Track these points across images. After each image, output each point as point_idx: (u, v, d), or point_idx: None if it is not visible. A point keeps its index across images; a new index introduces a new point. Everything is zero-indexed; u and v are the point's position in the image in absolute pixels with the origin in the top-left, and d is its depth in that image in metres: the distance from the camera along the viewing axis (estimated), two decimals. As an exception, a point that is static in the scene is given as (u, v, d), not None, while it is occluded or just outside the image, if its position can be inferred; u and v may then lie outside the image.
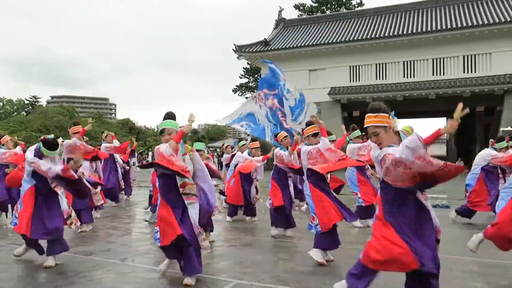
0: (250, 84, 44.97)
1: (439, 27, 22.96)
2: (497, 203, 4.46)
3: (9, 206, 7.35)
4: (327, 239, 4.54)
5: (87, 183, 6.01)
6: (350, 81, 25.22)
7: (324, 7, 41.09)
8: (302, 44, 25.84)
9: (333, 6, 40.96)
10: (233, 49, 27.17)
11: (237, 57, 28.09)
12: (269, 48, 26.49)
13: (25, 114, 57.14)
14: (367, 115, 2.93)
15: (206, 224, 4.39)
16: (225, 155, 10.29)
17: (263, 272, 4.25)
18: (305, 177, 4.91)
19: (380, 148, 2.88)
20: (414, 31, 23.49)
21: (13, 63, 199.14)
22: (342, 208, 4.64)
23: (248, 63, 37.92)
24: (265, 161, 7.49)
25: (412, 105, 24.17)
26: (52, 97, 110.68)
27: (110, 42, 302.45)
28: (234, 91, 45.92)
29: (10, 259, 4.82)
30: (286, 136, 6.13)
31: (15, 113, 58.95)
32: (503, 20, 21.70)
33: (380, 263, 2.79)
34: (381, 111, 2.87)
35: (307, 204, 5.06)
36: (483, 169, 7.02)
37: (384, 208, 2.90)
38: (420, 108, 24.91)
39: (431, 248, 2.77)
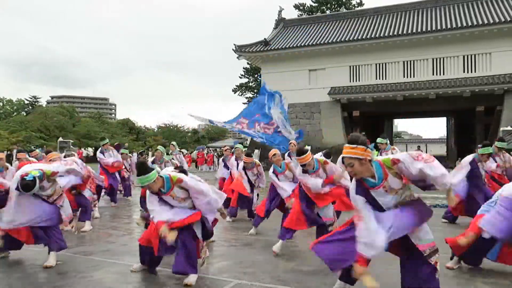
0: (250, 84, 44.99)
1: (439, 27, 22.94)
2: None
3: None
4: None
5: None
6: (350, 81, 25.19)
7: (324, 7, 41.10)
8: (302, 44, 25.82)
9: (333, 6, 40.97)
10: (233, 49, 27.15)
11: (237, 57, 28.07)
12: (269, 48, 26.47)
13: (25, 114, 57.13)
14: (345, 145, 3.01)
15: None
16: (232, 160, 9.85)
17: (263, 272, 4.25)
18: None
19: (356, 179, 3.05)
20: (414, 31, 23.47)
21: (13, 63, 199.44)
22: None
23: (248, 63, 37.92)
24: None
25: (412, 105, 24.15)
26: (52, 97, 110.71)
27: (110, 42, 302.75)
28: (234, 91, 45.94)
29: (10, 259, 4.83)
30: (274, 155, 6.29)
31: (15, 113, 58.93)
32: (503, 20, 21.67)
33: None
34: (359, 143, 2.93)
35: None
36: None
37: None
38: (420, 108, 24.89)
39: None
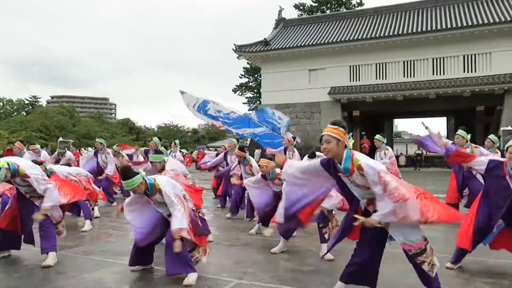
0: (250, 84, 45.02)
1: (439, 27, 22.94)
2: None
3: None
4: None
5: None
6: (350, 81, 25.20)
7: (324, 7, 41.11)
8: (302, 44, 25.82)
9: (333, 6, 40.98)
10: (233, 49, 27.15)
11: (237, 57, 28.07)
12: (269, 48, 26.47)
13: (25, 114, 57.18)
14: (328, 126, 3.16)
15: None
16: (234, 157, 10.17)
17: (263, 272, 4.25)
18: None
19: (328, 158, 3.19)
20: (414, 30, 23.47)
21: (13, 63, 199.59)
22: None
23: (248, 63, 37.93)
24: None
25: (412, 104, 24.16)
26: (52, 97, 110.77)
27: (110, 42, 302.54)
28: (234, 91, 45.98)
29: (9, 259, 4.83)
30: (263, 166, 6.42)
31: (15, 113, 58.97)
32: (503, 19, 21.67)
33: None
34: (341, 126, 3.11)
35: None
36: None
37: None
38: (420, 108, 24.89)
39: None
